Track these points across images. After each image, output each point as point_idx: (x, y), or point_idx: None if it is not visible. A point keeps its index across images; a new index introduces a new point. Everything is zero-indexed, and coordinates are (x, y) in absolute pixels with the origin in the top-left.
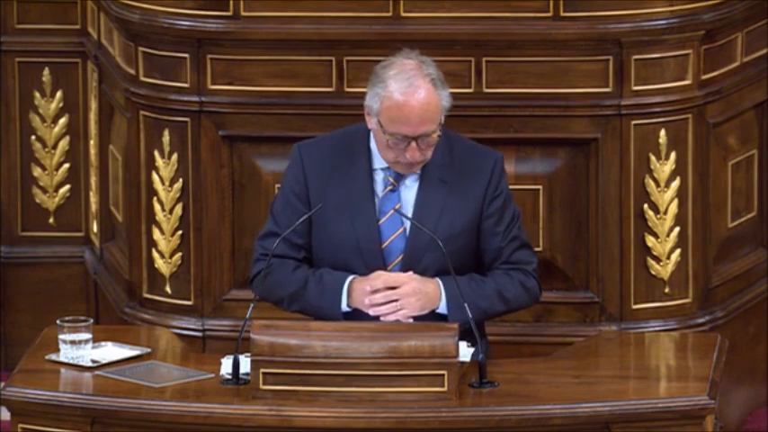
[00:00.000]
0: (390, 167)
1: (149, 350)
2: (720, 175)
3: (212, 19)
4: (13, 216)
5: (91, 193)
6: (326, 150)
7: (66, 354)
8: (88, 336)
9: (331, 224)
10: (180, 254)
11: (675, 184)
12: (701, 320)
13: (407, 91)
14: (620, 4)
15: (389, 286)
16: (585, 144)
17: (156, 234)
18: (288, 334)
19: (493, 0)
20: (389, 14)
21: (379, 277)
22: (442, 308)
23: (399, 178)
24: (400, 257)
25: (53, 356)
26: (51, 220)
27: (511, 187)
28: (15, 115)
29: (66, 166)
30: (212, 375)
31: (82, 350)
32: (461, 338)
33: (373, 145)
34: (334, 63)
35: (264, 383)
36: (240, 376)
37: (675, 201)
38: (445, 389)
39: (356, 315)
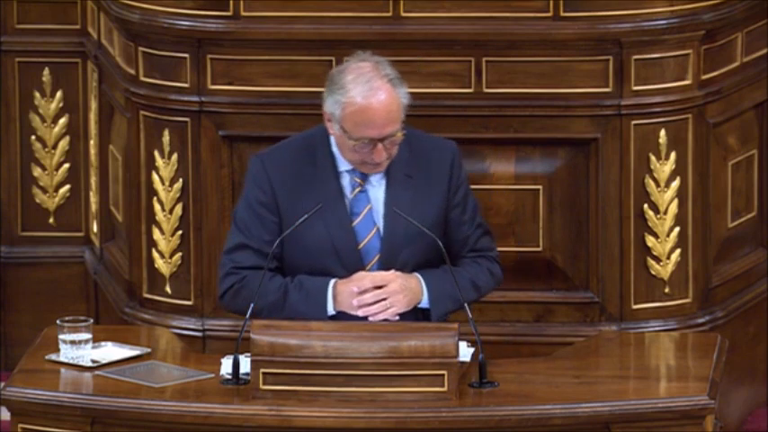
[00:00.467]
0: (356, 169)
1: (149, 350)
2: (720, 175)
3: (212, 19)
4: (13, 216)
5: (91, 193)
6: (288, 157)
7: (66, 354)
8: (88, 336)
9: (305, 230)
10: (180, 254)
11: (675, 184)
12: (700, 320)
13: (368, 94)
14: (620, 4)
15: (376, 285)
16: (585, 144)
17: (156, 234)
18: (288, 334)
19: (493, 0)
20: (389, 14)
21: (365, 278)
22: (424, 302)
23: (365, 177)
24: (377, 257)
25: (53, 356)
26: (51, 220)
27: (511, 187)
28: (15, 115)
29: (67, 166)
30: (212, 375)
31: (82, 350)
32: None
33: (334, 148)
34: (334, 63)
35: (264, 383)
36: (240, 376)
37: (675, 201)
38: (445, 389)
39: (340, 318)
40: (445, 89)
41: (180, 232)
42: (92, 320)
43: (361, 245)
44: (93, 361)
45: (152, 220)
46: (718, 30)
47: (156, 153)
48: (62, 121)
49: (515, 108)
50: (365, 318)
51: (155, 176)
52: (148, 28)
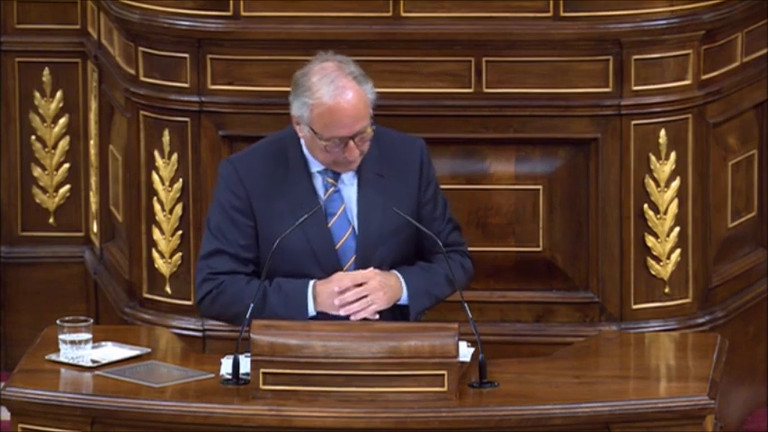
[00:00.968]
0: (327, 169)
1: (149, 350)
2: (720, 175)
3: (212, 19)
4: (13, 216)
5: (91, 193)
6: (259, 161)
7: (66, 354)
8: (88, 336)
9: (280, 233)
10: (180, 254)
11: (675, 184)
12: (700, 320)
13: (335, 94)
14: (620, 4)
15: (356, 284)
16: (585, 144)
17: (156, 234)
18: (288, 334)
19: (493, 0)
20: (389, 14)
21: (345, 277)
22: (404, 299)
23: (337, 177)
24: (354, 257)
25: (53, 356)
26: (51, 220)
27: (511, 187)
28: (15, 115)
29: (67, 166)
30: (212, 375)
31: (82, 350)
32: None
33: (305, 150)
34: None
35: (264, 383)
36: (240, 376)
37: (675, 201)
38: (445, 389)
39: (320, 319)
40: (445, 89)
41: (180, 232)
42: (92, 320)
43: (338, 245)
44: (93, 361)
45: (152, 220)
46: (718, 30)
47: (156, 153)
48: (62, 121)
49: (515, 108)
50: (347, 317)
51: (155, 176)
52: (148, 28)
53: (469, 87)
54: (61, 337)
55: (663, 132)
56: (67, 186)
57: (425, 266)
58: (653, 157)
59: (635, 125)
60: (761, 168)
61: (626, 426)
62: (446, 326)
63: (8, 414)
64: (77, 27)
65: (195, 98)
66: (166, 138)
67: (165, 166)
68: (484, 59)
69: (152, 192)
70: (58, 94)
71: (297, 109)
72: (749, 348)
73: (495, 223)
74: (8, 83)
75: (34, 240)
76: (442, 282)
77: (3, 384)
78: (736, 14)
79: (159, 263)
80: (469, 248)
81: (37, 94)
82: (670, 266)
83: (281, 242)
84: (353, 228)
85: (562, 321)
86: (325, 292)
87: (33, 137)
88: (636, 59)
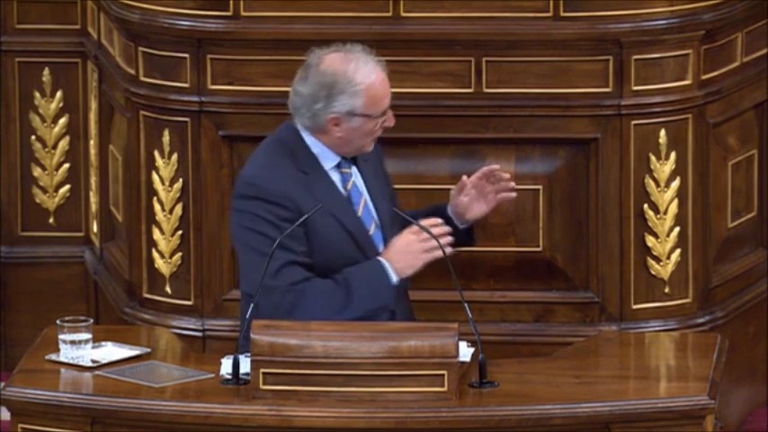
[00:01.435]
0: (344, 158)
1: (149, 350)
2: (720, 175)
3: (212, 19)
4: (13, 216)
5: (91, 193)
6: (279, 169)
7: (66, 354)
8: (88, 336)
9: (323, 232)
10: (180, 254)
11: (675, 184)
12: (700, 320)
13: (371, 70)
14: (620, 4)
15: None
16: (585, 144)
17: (156, 234)
18: (288, 334)
19: (493, 0)
20: (389, 14)
21: (404, 233)
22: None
23: (350, 168)
24: (382, 240)
25: (53, 356)
26: (51, 220)
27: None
28: (15, 115)
29: (67, 166)
30: (212, 375)
31: (82, 350)
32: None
33: (315, 149)
34: None
35: (264, 383)
36: (240, 376)
37: (675, 201)
38: (445, 389)
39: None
40: (445, 89)
41: (180, 232)
42: (92, 320)
43: (371, 231)
44: (93, 361)
45: (152, 220)
46: (718, 30)
47: (156, 153)
48: (62, 121)
49: (515, 108)
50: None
51: (155, 176)
52: (148, 28)
53: (469, 87)
54: (61, 337)
55: (663, 132)
56: (67, 186)
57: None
58: (653, 157)
59: (635, 125)
60: (761, 168)
61: (626, 426)
62: (446, 326)
63: (8, 414)
64: (77, 27)
65: (195, 98)
66: (166, 138)
67: (165, 166)
68: (484, 59)
69: (152, 192)
70: (58, 94)
71: (343, 105)
72: (749, 348)
73: (495, 223)
74: (8, 83)
75: (34, 240)
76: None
77: (3, 384)
78: (736, 14)
79: (159, 263)
80: (469, 248)
81: (37, 94)
82: (670, 266)
83: (328, 237)
84: (374, 214)
85: (562, 321)
86: (401, 251)
87: (33, 137)
88: (636, 59)
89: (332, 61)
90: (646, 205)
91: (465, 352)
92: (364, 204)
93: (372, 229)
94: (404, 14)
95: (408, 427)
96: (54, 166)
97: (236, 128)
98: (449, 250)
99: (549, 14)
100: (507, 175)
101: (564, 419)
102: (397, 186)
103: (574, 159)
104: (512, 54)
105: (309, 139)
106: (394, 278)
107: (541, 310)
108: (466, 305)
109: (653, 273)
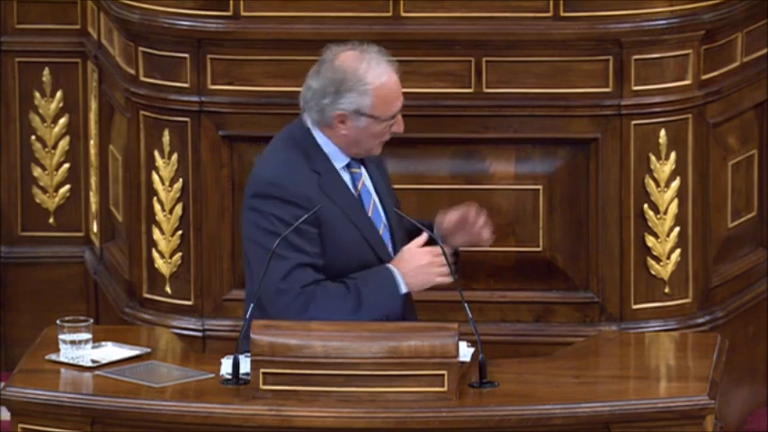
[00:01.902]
0: (353, 158)
1: (149, 350)
2: (720, 175)
3: (212, 19)
4: (13, 216)
5: (91, 193)
6: (296, 170)
7: (66, 354)
8: (88, 336)
9: (338, 233)
10: (180, 254)
11: (675, 184)
12: (700, 320)
13: (384, 71)
14: (620, 4)
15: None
16: (585, 144)
17: (156, 234)
18: (288, 334)
19: (493, 0)
20: (389, 14)
21: (415, 246)
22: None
23: (359, 168)
24: (391, 240)
25: (53, 356)
26: (51, 220)
27: (511, 187)
28: (15, 115)
29: (67, 166)
30: (212, 375)
31: (82, 350)
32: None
33: (327, 149)
34: None
35: (264, 383)
36: (240, 376)
37: (675, 201)
38: (445, 389)
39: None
40: (445, 89)
41: (180, 232)
42: (92, 320)
43: (381, 232)
44: (93, 361)
45: (152, 220)
46: (718, 30)
47: (156, 153)
48: (62, 121)
49: (515, 108)
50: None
51: (155, 176)
52: (148, 28)
53: (469, 87)
54: (61, 337)
55: (663, 132)
56: (67, 186)
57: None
58: (653, 157)
59: (635, 125)
60: (761, 168)
61: (626, 426)
62: (446, 326)
63: (8, 414)
64: (77, 27)
65: (195, 98)
66: (166, 138)
67: (165, 166)
68: (484, 59)
69: (152, 192)
70: (58, 94)
71: (350, 103)
72: (749, 348)
73: (495, 223)
74: (8, 83)
75: (34, 240)
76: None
77: (3, 384)
78: (736, 14)
79: (159, 263)
80: (470, 248)
81: (37, 94)
82: (670, 266)
83: (341, 239)
84: (381, 214)
85: (562, 321)
86: (413, 267)
87: (33, 137)
88: (636, 59)
89: (345, 58)
90: (646, 205)
91: (465, 352)
92: (374, 205)
93: (382, 230)
94: (404, 14)
95: (408, 427)
96: (54, 166)
97: (236, 128)
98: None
99: (549, 14)
100: (482, 222)
101: (564, 419)
102: (396, 186)
103: (574, 159)
104: (512, 54)
105: (321, 139)
106: (403, 289)
107: (541, 310)
108: (466, 305)
109: (653, 273)
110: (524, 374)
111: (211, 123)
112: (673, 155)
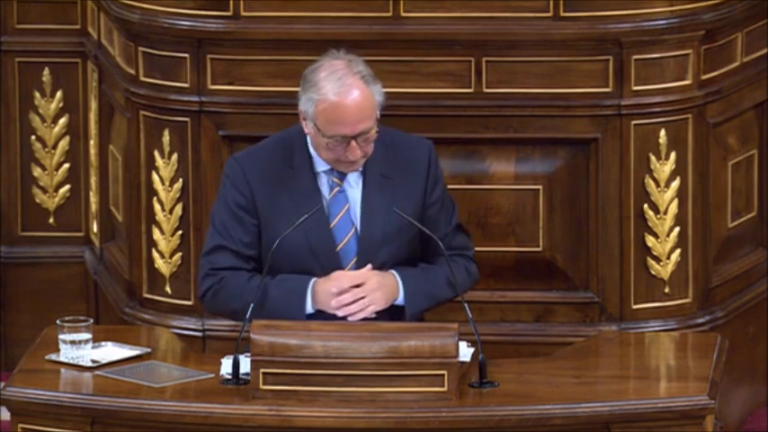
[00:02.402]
0: (333, 168)
1: (149, 350)
2: (720, 175)
3: (212, 19)
4: (13, 216)
5: (91, 193)
6: (265, 159)
7: (66, 354)
8: (88, 336)
9: (278, 232)
10: (180, 254)
11: (675, 184)
12: (700, 320)
13: (340, 91)
14: (620, 4)
15: (354, 284)
16: (585, 144)
17: (156, 234)
18: (288, 334)
19: (493, 0)
20: (389, 14)
21: (343, 277)
22: (400, 299)
23: (343, 178)
24: (355, 258)
25: (53, 356)
26: (51, 220)
27: (511, 187)
28: (15, 115)
29: (67, 166)
30: (212, 375)
31: (82, 350)
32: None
33: (312, 150)
34: None
35: (264, 383)
36: (240, 376)
37: (675, 201)
38: (445, 389)
39: (317, 316)
40: (445, 89)
41: (180, 232)
42: (92, 320)
43: (339, 246)
44: (93, 361)
45: (152, 220)
46: (718, 30)
47: (156, 153)
48: (62, 121)
49: (515, 108)
50: (344, 317)
51: (155, 176)
52: (148, 28)
53: (469, 87)
54: (61, 337)
55: (663, 132)
56: (67, 186)
57: (426, 267)
58: (653, 157)
59: (635, 125)
60: (761, 168)
61: (626, 426)
62: (446, 326)
63: (8, 414)
64: (77, 27)
65: (195, 98)
66: (166, 138)
67: (165, 166)
68: (484, 59)
69: (152, 192)
70: (58, 94)
71: (303, 104)
72: (749, 348)
73: (495, 223)
74: (8, 83)
75: (34, 240)
76: (441, 284)
77: (3, 384)
78: (736, 14)
79: (159, 263)
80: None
81: (37, 94)
82: (670, 266)
83: (282, 241)
84: (356, 229)
85: (562, 321)
86: (324, 291)
87: (33, 137)
88: (636, 59)
89: (324, 63)
90: (646, 205)
91: (465, 352)
92: (345, 216)
93: (342, 245)
94: (404, 14)
95: (408, 427)
96: (54, 166)
97: (236, 128)
98: (369, 316)
99: (549, 14)
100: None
101: (564, 419)
102: None
103: (574, 159)
104: (512, 54)
105: (308, 137)
106: (309, 306)
107: (541, 310)
108: (466, 305)
109: (653, 273)
110: (524, 374)
111: (211, 123)
112: (673, 155)
